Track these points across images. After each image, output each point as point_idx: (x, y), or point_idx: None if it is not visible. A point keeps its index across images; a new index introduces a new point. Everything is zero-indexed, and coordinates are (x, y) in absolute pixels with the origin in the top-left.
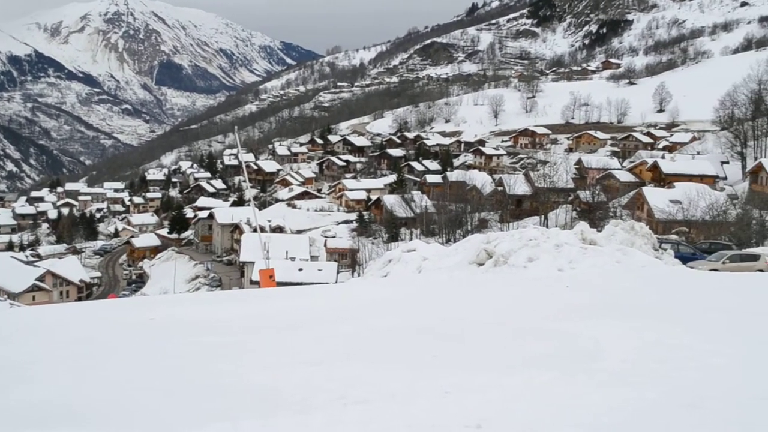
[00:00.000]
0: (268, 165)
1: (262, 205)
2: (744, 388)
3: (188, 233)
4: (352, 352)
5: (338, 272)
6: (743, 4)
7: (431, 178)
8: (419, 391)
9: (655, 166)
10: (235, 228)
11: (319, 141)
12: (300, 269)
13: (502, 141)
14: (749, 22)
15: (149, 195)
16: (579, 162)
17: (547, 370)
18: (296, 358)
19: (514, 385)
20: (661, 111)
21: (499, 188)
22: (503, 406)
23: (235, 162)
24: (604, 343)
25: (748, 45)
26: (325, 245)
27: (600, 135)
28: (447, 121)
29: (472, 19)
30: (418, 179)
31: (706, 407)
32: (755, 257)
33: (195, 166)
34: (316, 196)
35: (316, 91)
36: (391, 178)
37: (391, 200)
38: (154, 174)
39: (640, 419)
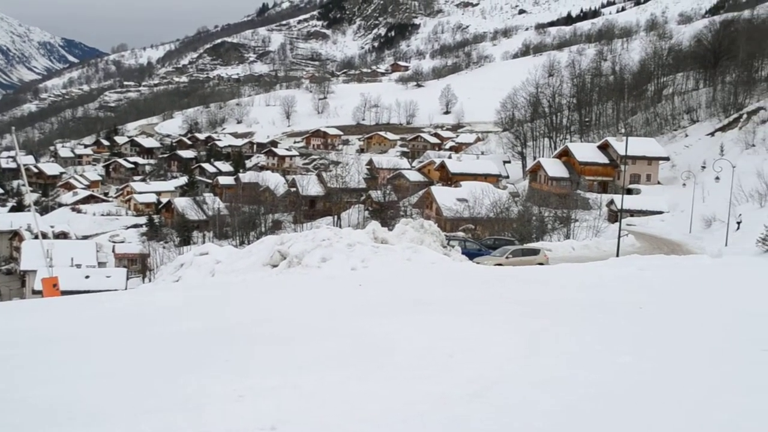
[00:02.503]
0: (50, 168)
1: (45, 210)
2: (523, 377)
3: None
4: (143, 360)
5: (128, 278)
6: (521, 12)
7: (224, 180)
8: (212, 397)
9: (442, 166)
10: (15, 235)
11: (105, 142)
12: (87, 276)
13: (295, 142)
14: (527, 29)
15: None
16: (370, 162)
17: (341, 368)
18: (85, 370)
19: (308, 385)
20: (447, 113)
21: (293, 189)
22: (297, 406)
23: (13, 165)
24: (396, 339)
25: (526, 50)
26: (113, 251)
27: (390, 136)
28: (239, 122)
29: (263, 19)
30: (210, 181)
31: (490, 396)
32: (535, 252)
33: None
34: (103, 200)
35: (102, 91)
36: (182, 180)
37: (182, 203)
38: None
39: (431, 412)
